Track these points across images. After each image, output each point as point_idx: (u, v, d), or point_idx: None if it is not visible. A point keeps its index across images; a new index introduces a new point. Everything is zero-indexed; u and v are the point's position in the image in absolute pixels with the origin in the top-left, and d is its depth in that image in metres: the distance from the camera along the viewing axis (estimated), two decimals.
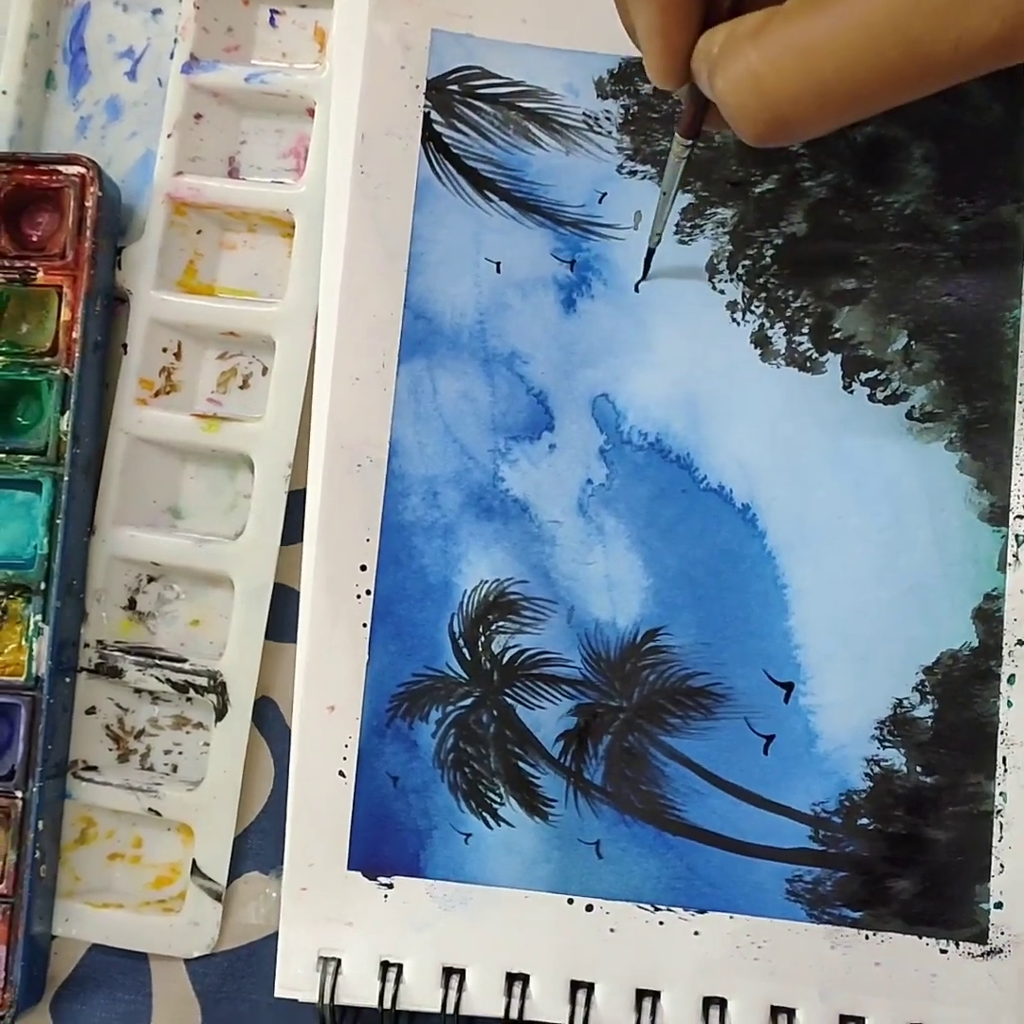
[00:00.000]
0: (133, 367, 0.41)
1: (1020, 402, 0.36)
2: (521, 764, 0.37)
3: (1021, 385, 0.36)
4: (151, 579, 0.41)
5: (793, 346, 0.37)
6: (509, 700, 0.38)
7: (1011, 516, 0.36)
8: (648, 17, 0.27)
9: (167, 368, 0.41)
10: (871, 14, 0.23)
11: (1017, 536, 0.35)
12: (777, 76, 0.24)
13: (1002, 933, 0.35)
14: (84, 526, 0.40)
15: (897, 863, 0.36)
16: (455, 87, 0.39)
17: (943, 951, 0.35)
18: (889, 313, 0.37)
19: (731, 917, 0.36)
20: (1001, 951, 0.35)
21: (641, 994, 0.36)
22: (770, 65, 0.24)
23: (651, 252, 0.36)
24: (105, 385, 0.41)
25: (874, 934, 0.35)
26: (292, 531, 0.40)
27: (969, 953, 0.35)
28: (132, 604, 0.41)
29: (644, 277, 0.37)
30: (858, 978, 0.35)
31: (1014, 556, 0.35)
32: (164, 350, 0.41)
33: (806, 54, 0.23)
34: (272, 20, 0.42)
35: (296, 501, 0.39)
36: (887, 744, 0.36)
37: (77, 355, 0.39)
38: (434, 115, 0.39)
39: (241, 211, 0.41)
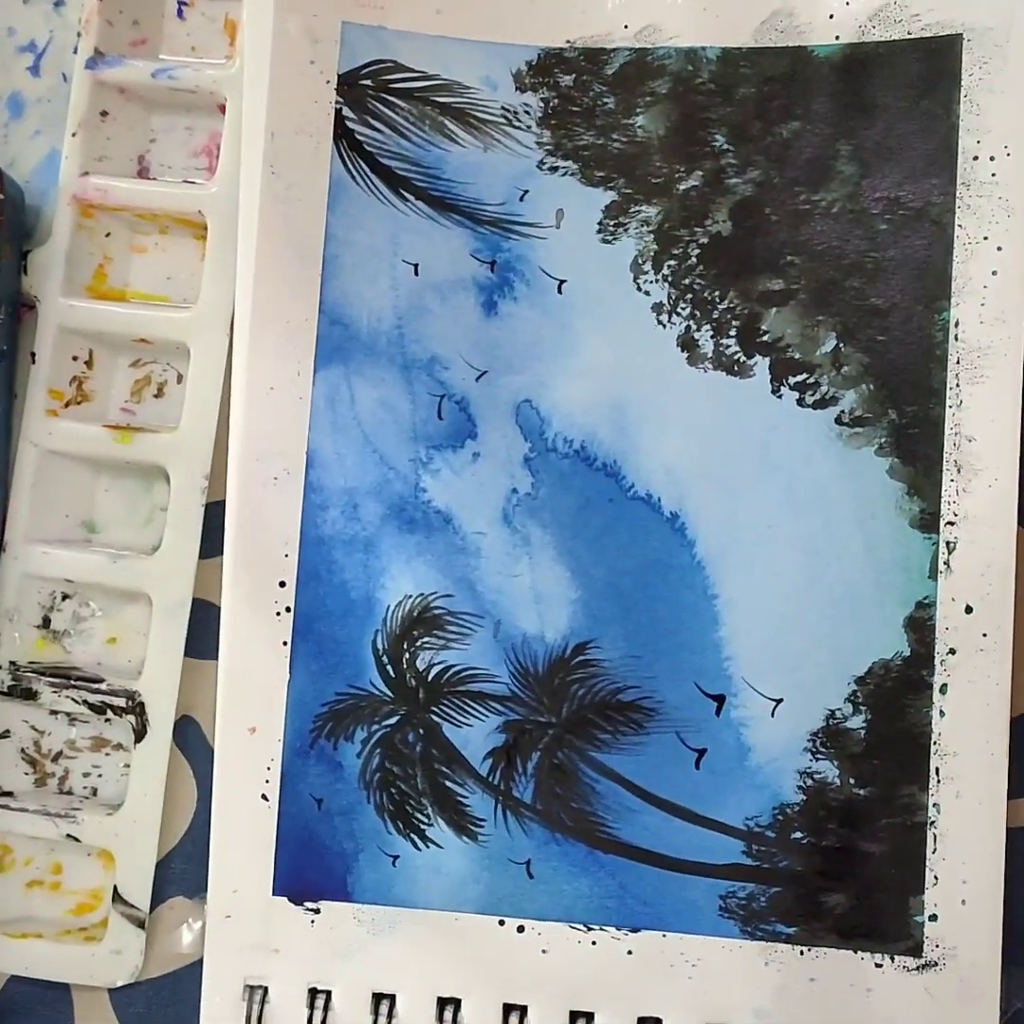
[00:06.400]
0: (42, 377, 0.39)
1: (950, 406, 0.35)
2: (449, 783, 0.36)
3: (951, 389, 0.35)
4: (65, 596, 0.40)
5: (721, 349, 0.36)
6: (435, 718, 0.37)
7: (941, 523, 0.35)
8: None
9: (78, 377, 0.40)
10: None
11: (948, 543, 0.35)
12: None
13: (937, 946, 0.34)
14: None
15: (831, 877, 0.35)
16: (368, 82, 0.37)
17: (878, 965, 0.34)
18: (817, 315, 0.36)
19: (664, 935, 0.35)
20: (936, 964, 0.34)
21: (575, 1016, 0.35)
22: None
23: None
24: (13, 396, 0.39)
25: (809, 950, 0.35)
26: (212, 544, 0.38)
27: (904, 967, 0.34)
28: (46, 623, 0.39)
29: None
30: (793, 995, 0.35)
31: (945, 563, 0.35)
32: (74, 358, 0.40)
33: None
34: (180, 12, 0.41)
35: (216, 513, 0.38)
36: (820, 756, 0.35)
37: None
38: (346, 111, 0.37)
39: (151, 213, 0.39)
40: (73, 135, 0.39)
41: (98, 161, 0.40)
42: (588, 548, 0.36)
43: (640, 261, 0.37)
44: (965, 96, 0.35)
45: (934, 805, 0.34)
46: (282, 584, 0.37)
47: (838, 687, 0.35)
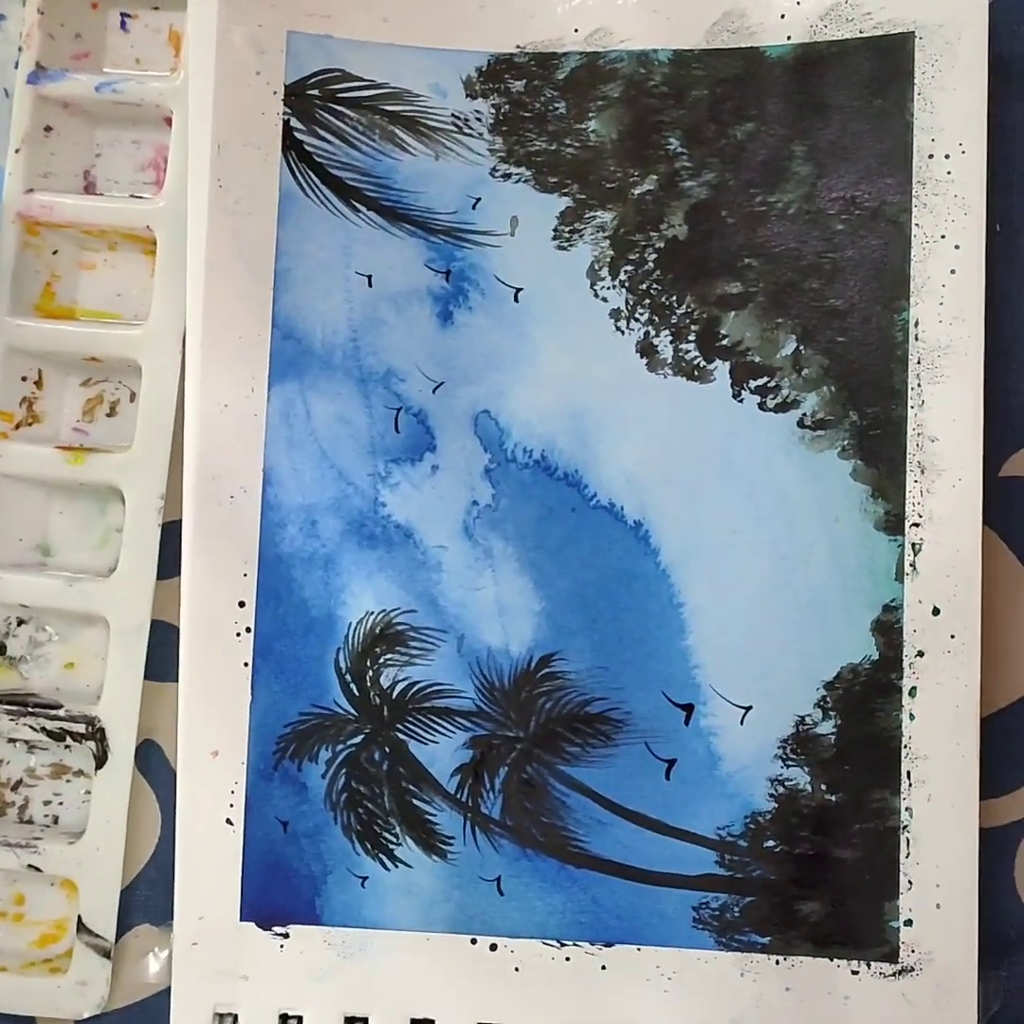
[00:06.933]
0: None
1: (912, 407, 0.35)
2: (416, 802, 0.36)
3: (913, 389, 0.35)
4: (21, 622, 0.39)
5: (680, 354, 0.36)
6: (401, 735, 0.36)
7: (907, 524, 0.34)
8: None
9: (28, 398, 0.39)
10: None
11: (914, 545, 0.34)
12: None
13: (913, 951, 0.34)
14: None
15: (805, 885, 0.35)
16: (315, 92, 0.37)
17: (855, 972, 0.34)
18: (776, 317, 0.35)
19: (639, 949, 0.35)
20: (912, 970, 0.34)
21: None
22: None
23: None
24: None
25: (784, 959, 0.34)
26: (169, 565, 0.37)
27: (881, 973, 0.34)
28: (2, 649, 0.39)
29: None
30: (770, 1005, 0.34)
31: (911, 565, 0.34)
32: (24, 379, 0.39)
33: None
34: (123, 24, 0.40)
35: (173, 533, 0.37)
36: (791, 763, 0.35)
37: None
38: (294, 122, 0.37)
39: (98, 229, 0.39)
40: (16, 151, 0.38)
41: (43, 177, 0.39)
42: (551, 559, 0.36)
43: (596, 267, 0.36)
44: (919, 94, 0.35)
45: (906, 809, 0.34)
46: (241, 604, 0.36)
47: (807, 693, 0.35)
